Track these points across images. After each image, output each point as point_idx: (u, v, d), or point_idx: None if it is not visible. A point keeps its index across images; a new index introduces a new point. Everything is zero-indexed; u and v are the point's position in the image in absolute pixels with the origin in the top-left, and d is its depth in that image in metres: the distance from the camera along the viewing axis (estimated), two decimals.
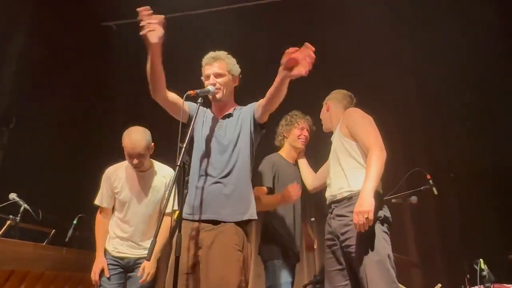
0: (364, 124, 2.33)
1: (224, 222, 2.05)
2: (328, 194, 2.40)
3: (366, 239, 2.09)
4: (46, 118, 4.13)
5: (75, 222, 3.17)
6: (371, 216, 2.00)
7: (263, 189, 2.81)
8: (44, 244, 2.95)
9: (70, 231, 3.13)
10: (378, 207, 2.14)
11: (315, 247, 3.20)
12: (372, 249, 2.07)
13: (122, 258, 2.75)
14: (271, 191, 2.83)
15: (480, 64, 4.23)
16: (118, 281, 2.72)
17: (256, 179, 2.74)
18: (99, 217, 2.89)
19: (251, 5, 4.72)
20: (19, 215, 2.89)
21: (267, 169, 2.88)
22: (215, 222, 2.06)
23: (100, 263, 2.71)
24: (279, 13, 4.68)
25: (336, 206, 2.30)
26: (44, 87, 4.26)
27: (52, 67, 4.33)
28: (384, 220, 2.20)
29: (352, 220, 2.10)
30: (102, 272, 2.69)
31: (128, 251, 2.76)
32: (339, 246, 2.23)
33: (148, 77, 2.09)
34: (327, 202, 2.41)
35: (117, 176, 2.88)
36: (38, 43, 4.17)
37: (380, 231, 2.15)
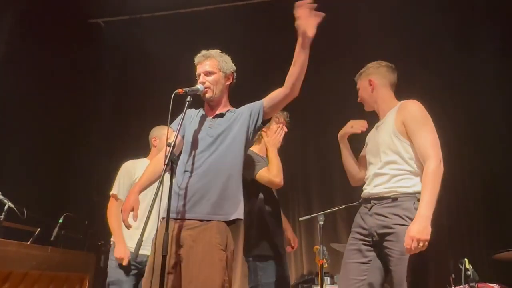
0: (425, 127, 2.09)
1: (208, 220, 2.02)
2: (368, 189, 2.21)
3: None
4: (31, 116, 4.07)
5: (60, 221, 3.12)
6: (426, 246, 1.90)
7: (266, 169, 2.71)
8: (28, 243, 2.90)
9: (56, 230, 3.09)
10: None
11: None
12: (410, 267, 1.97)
13: (141, 262, 2.75)
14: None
15: (474, 71, 4.30)
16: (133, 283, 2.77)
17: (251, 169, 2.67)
18: (113, 208, 2.89)
19: (243, 4, 4.73)
20: (3, 213, 2.83)
21: (254, 158, 2.77)
22: (197, 220, 2.03)
23: (126, 252, 2.72)
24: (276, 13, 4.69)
25: (376, 203, 2.12)
26: (30, 85, 4.20)
27: (39, 64, 4.27)
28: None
29: (394, 224, 2.01)
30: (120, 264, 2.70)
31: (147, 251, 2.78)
32: (372, 244, 2.11)
33: None
34: (364, 196, 2.24)
35: (138, 169, 2.90)
36: (24, 40, 4.11)
37: None
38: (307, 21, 1.92)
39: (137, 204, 2.12)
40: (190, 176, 2.09)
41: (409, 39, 4.42)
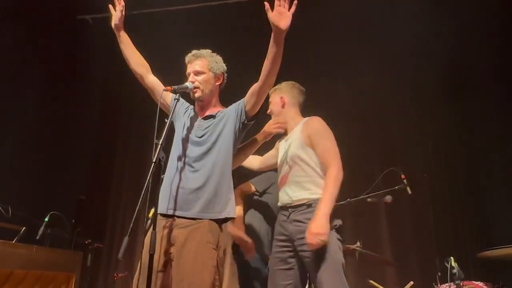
0: (326, 139, 2.37)
1: (199, 219, 2.02)
2: (284, 197, 2.44)
3: (323, 248, 2.16)
4: (16, 113, 4.01)
5: (46, 219, 3.08)
6: (326, 240, 2.11)
7: (249, 186, 2.93)
8: (13, 242, 2.85)
9: (42, 229, 3.04)
10: (334, 216, 2.28)
11: None
12: (328, 258, 2.17)
13: None
14: (257, 194, 2.94)
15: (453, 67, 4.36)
16: None
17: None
18: None
19: (234, 2, 4.71)
20: None
21: (268, 179, 2.96)
22: (190, 219, 2.03)
23: None
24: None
25: (293, 211, 2.35)
26: (15, 80, 4.13)
27: (26, 59, 4.21)
28: (339, 229, 2.31)
29: None
30: None
31: None
32: (293, 249, 2.31)
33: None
34: (281, 204, 2.47)
35: None
36: (11, 35, 4.04)
37: (336, 239, 2.25)
38: (279, 14, 1.88)
39: None
40: (181, 175, 2.09)
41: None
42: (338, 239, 2.28)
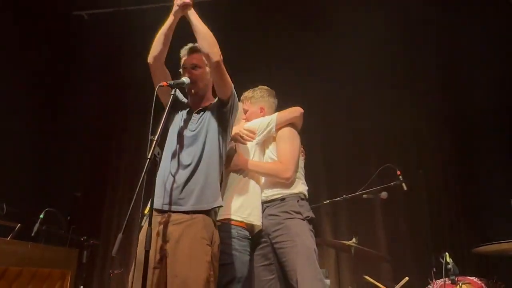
0: (287, 143, 2.53)
1: (193, 212, 2.03)
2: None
3: (296, 236, 2.29)
4: (10, 109, 3.99)
5: (41, 216, 3.07)
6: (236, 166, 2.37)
7: None
8: (8, 238, 2.84)
9: (37, 226, 3.03)
10: (307, 209, 2.43)
11: None
12: (302, 245, 2.27)
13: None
14: None
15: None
16: None
17: None
18: None
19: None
20: None
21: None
22: (184, 214, 2.03)
23: None
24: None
25: (268, 206, 2.46)
26: (10, 79, 4.10)
27: (19, 58, 4.18)
28: (310, 220, 2.42)
29: (284, 219, 2.35)
30: None
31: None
32: (269, 243, 2.39)
33: (157, 40, 2.22)
34: None
35: None
36: (4, 33, 4.01)
37: (308, 229, 2.37)
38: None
39: None
40: (175, 170, 2.10)
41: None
42: (311, 230, 2.38)
